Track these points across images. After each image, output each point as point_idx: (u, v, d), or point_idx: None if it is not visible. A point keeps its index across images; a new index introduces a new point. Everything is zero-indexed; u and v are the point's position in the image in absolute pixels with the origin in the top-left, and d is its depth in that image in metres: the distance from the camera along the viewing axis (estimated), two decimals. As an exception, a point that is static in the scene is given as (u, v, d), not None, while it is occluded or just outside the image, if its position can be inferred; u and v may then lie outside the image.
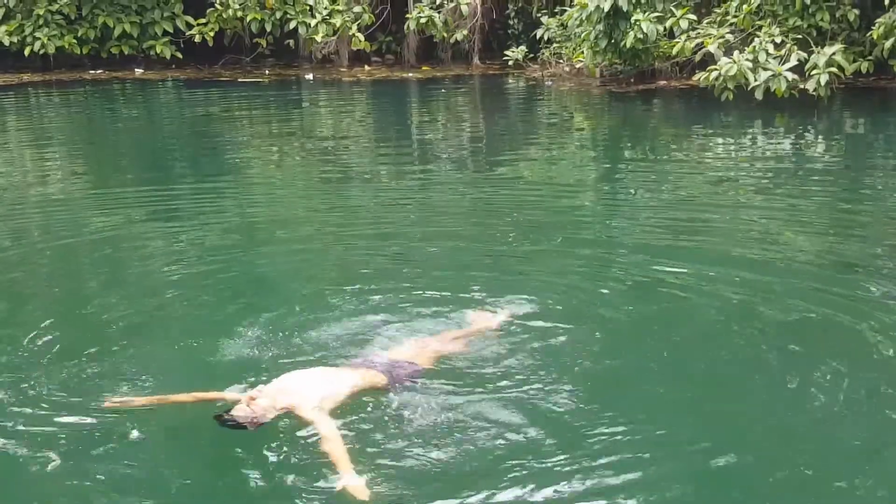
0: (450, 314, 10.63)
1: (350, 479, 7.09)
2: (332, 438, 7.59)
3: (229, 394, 8.45)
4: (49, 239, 15.07)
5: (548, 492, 7.29)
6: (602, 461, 7.69)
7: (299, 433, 8.06)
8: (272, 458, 7.84)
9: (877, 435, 8.18)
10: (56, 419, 8.55)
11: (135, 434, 8.21)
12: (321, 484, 7.37)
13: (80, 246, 14.60)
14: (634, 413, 8.50)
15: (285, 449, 7.95)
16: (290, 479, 7.55)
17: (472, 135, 25.16)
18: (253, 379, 8.84)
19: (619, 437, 8.07)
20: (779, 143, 21.97)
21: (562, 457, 7.74)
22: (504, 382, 8.97)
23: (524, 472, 7.54)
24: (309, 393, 8.20)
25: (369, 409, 8.43)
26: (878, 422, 8.39)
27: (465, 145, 23.40)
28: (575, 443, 7.96)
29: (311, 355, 9.52)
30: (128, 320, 11.09)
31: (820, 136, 22.80)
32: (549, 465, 7.64)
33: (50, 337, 10.46)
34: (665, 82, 30.03)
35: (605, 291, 11.68)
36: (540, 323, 10.47)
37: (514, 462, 7.67)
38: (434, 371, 9.13)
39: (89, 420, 8.49)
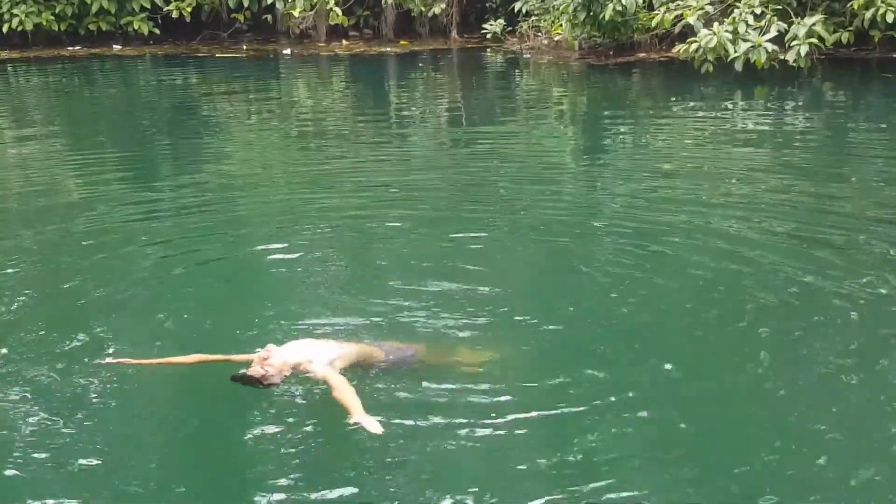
0: (430, 310, 10.36)
1: (363, 417, 7.50)
2: (343, 388, 7.89)
3: (235, 356, 8.62)
4: (31, 209, 15.03)
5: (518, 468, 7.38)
6: (583, 447, 7.69)
7: (311, 388, 8.32)
8: (287, 410, 8.20)
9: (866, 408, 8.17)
10: (45, 381, 8.74)
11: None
12: (335, 426, 7.78)
13: (63, 213, 14.60)
14: (623, 396, 8.39)
15: (299, 402, 8.31)
16: (304, 426, 7.97)
17: (451, 108, 25.03)
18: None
19: (601, 423, 8.04)
20: (759, 115, 21.92)
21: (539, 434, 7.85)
22: (489, 369, 8.92)
23: (500, 442, 7.67)
24: (319, 353, 8.39)
25: (365, 378, 8.57)
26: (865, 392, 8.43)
27: (444, 119, 23.32)
28: (556, 426, 7.99)
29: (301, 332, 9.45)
30: (112, 290, 11.11)
31: (800, 107, 22.79)
32: (523, 442, 7.73)
33: (36, 304, 10.69)
34: (644, 55, 29.90)
35: (586, 266, 11.65)
36: (526, 301, 10.52)
37: (489, 436, 7.76)
38: (426, 359, 9.11)
39: (83, 382, 8.71)
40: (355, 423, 7.47)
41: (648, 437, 7.77)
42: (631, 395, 8.34)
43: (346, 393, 7.80)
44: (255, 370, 8.02)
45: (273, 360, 8.08)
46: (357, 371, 8.54)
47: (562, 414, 8.06)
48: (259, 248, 12.69)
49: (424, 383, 8.58)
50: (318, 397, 8.25)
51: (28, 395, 8.53)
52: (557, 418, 8.01)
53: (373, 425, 7.42)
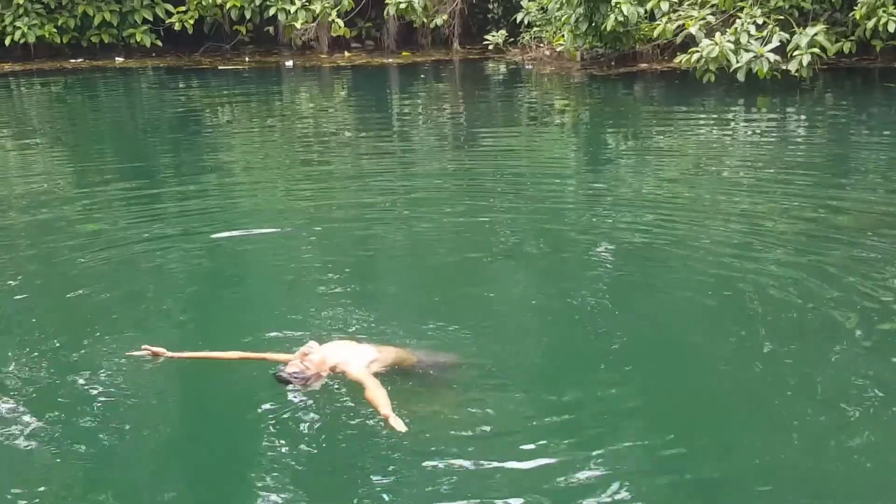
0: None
1: (390, 415, 7.71)
2: (376, 389, 8.07)
3: (276, 354, 8.79)
4: (35, 217, 15.04)
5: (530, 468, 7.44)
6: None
7: (345, 389, 8.47)
8: (321, 407, 8.36)
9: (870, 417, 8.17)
10: (59, 379, 8.97)
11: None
12: (365, 425, 8.02)
13: (67, 221, 14.73)
14: (640, 404, 8.54)
15: (333, 401, 8.44)
16: (336, 422, 8.17)
17: (453, 119, 25.09)
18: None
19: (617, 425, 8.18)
20: (761, 125, 21.96)
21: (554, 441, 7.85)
22: (503, 370, 9.13)
23: (518, 441, 7.80)
24: (358, 355, 8.58)
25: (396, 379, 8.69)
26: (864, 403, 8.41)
27: (447, 130, 23.34)
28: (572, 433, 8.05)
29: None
30: (119, 293, 11.34)
31: (802, 117, 22.79)
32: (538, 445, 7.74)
33: (49, 308, 10.97)
34: (646, 65, 29.97)
35: (591, 274, 11.76)
36: (534, 311, 10.68)
37: (507, 434, 7.97)
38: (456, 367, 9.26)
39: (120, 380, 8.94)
40: (383, 420, 7.69)
41: (656, 446, 7.79)
42: (646, 403, 8.51)
43: (377, 393, 7.97)
44: (296, 365, 8.25)
45: (313, 356, 8.31)
46: (391, 374, 8.63)
47: (572, 425, 8.16)
48: (266, 254, 12.90)
49: (449, 390, 8.79)
50: (339, 401, 8.41)
51: (47, 390, 8.74)
52: (567, 428, 8.09)
53: (398, 424, 7.60)
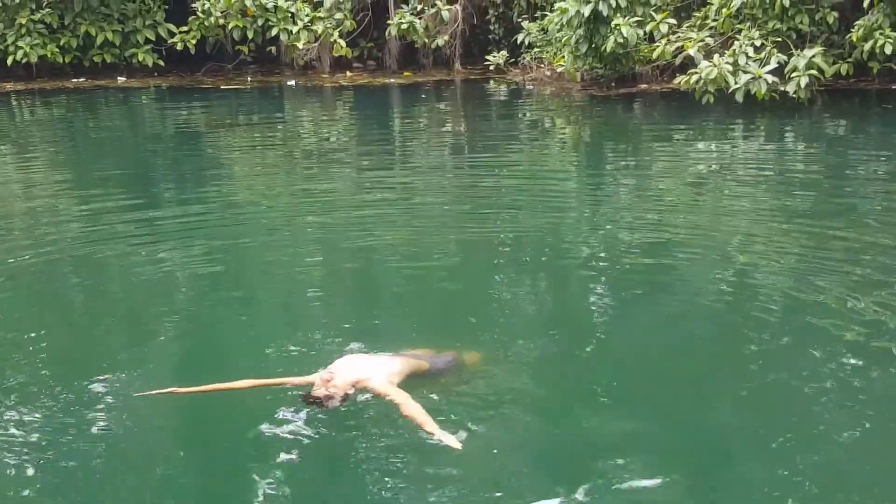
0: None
1: (441, 434, 7.74)
2: (411, 404, 8.08)
3: (292, 379, 8.78)
4: (37, 238, 14.99)
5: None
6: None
7: (376, 406, 8.48)
8: (363, 429, 8.28)
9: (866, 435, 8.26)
10: (93, 413, 8.78)
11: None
12: (414, 443, 7.90)
13: (68, 243, 14.63)
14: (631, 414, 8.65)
15: (370, 420, 8.40)
16: (384, 442, 8.07)
17: (454, 138, 25.26)
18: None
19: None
20: (760, 146, 21.99)
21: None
22: (518, 370, 9.40)
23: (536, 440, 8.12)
24: (377, 369, 8.59)
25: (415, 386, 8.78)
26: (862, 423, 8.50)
27: (448, 148, 23.47)
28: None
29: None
30: (133, 322, 11.27)
31: (801, 139, 22.88)
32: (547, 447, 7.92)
33: (46, 336, 10.64)
34: (646, 86, 30.11)
35: (592, 289, 11.91)
36: (536, 324, 10.82)
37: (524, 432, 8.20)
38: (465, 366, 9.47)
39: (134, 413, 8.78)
40: (437, 441, 7.68)
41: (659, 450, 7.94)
42: (657, 404, 8.78)
43: (415, 410, 7.99)
44: (321, 392, 8.25)
45: (336, 380, 8.30)
46: (408, 383, 8.69)
47: (579, 431, 8.34)
48: (268, 270, 13.07)
49: (466, 392, 8.92)
50: (364, 412, 8.49)
51: (52, 428, 8.53)
52: (573, 434, 8.30)
53: (451, 440, 7.65)
